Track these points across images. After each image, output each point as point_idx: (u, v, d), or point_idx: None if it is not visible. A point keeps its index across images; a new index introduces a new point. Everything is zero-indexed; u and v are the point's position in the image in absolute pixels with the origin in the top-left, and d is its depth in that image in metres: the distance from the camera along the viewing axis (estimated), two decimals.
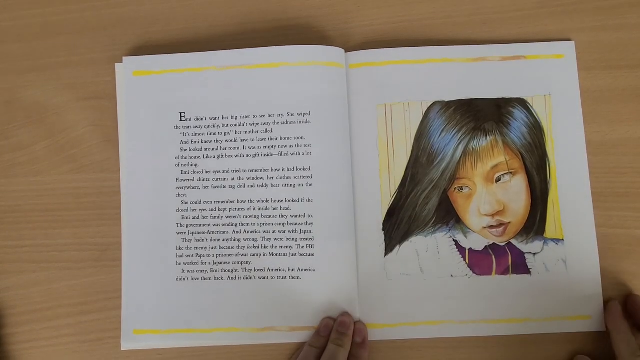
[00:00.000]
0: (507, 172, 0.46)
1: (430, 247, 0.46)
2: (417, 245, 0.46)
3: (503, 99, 0.47)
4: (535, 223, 0.46)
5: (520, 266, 0.45)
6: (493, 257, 0.45)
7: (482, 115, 0.47)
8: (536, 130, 0.46)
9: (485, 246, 0.46)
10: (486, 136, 0.46)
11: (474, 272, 0.45)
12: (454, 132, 0.46)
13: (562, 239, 0.45)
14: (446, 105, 0.47)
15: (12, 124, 0.50)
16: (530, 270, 0.45)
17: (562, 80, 0.47)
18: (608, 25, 0.48)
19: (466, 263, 0.46)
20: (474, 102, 0.47)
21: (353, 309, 0.45)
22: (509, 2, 0.48)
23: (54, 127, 0.49)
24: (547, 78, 0.47)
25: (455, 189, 0.46)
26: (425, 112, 0.47)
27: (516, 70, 0.47)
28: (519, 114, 0.47)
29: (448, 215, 0.46)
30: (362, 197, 0.46)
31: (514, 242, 0.46)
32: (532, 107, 0.47)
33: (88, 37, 0.50)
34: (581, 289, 0.45)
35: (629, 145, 0.47)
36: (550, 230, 0.46)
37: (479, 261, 0.45)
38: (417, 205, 0.46)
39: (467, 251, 0.46)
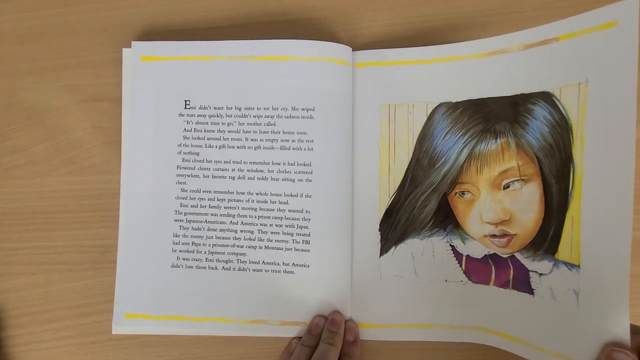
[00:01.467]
0: (519, 178, 0.41)
1: (425, 251, 0.45)
2: (412, 247, 0.45)
3: (522, 95, 0.40)
4: (546, 239, 0.40)
5: (522, 283, 0.41)
6: (492, 267, 0.43)
7: (494, 116, 0.42)
8: (561, 129, 0.39)
9: (485, 255, 0.43)
10: (496, 139, 0.42)
11: (469, 279, 0.44)
12: (459, 135, 0.44)
13: (578, 265, 0.37)
14: (453, 107, 0.44)
15: (12, 126, 0.50)
16: (534, 290, 0.40)
17: (611, 55, 0.36)
18: None
19: (462, 269, 0.44)
20: (485, 102, 0.42)
21: (345, 308, 0.45)
22: (508, 4, 0.47)
23: (54, 129, 0.50)
24: (585, 60, 0.37)
25: (456, 193, 0.44)
26: (430, 113, 0.45)
27: (541, 58, 0.39)
28: (540, 110, 0.40)
29: (446, 220, 0.45)
30: (360, 196, 0.46)
31: (518, 255, 0.41)
32: (559, 100, 0.39)
33: (88, 39, 0.50)
34: (597, 334, 0.36)
35: None
36: (564, 252, 0.39)
37: (476, 269, 0.44)
38: (415, 208, 0.45)
39: (464, 257, 0.44)
